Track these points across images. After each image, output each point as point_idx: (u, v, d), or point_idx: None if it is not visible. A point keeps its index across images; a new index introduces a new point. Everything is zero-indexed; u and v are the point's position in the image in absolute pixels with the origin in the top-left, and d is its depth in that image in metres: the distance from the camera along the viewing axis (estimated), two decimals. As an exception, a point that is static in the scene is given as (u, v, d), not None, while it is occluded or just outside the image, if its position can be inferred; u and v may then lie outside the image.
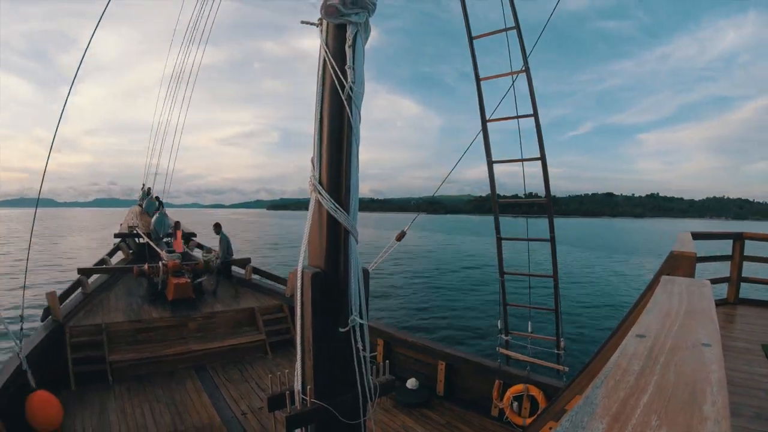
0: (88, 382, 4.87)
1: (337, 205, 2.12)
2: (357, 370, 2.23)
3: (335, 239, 2.16)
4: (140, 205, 14.32)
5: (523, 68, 4.45)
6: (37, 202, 4.45)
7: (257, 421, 4.22)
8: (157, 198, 12.94)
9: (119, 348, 5.37)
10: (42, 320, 5.46)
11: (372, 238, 35.79)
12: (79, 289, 6.57)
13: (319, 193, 2.14)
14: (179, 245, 8.54)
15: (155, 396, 4.66)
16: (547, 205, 4.62)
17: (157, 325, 5.87)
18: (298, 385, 2.24)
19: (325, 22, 2.28)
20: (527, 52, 4.54)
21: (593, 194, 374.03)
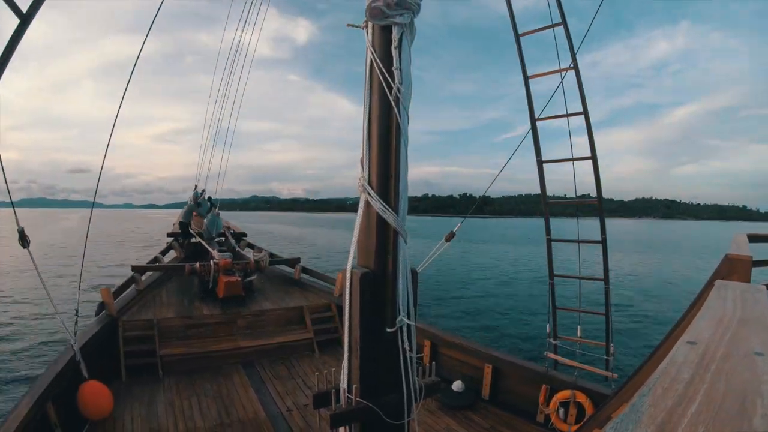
0: (139, 375, 5.08)
1: (386, 206, 2.14)
2: (403, 370, 2.23)
3: (384, 240, 2.18)
4: (192, 205, 15.00)
5: (571, 65, 4.31)
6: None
7: (302, 418, 4.28)
8: (209, 199, 13.53)
9: (170, 343, 5.58)
10: (96, 315, 5.73)
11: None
12: (133, 286, 6.85)
13: (369, 194, 2.17)
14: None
15: (203, 390, 4.81)
16: (597, 206, 4.45)
17: (207, 321, 6.04)
18: (344, 384, 2.26)
19: (370, 24, 2.29)
20: (575, 49, 4.39)
21: (527, 195, 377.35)
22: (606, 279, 4.50)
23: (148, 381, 4.97)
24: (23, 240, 3.32)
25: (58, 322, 4.28)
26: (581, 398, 4.19)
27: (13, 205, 3.29)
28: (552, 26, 4.46)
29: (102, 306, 5.69)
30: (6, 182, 3.03)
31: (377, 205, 2.14)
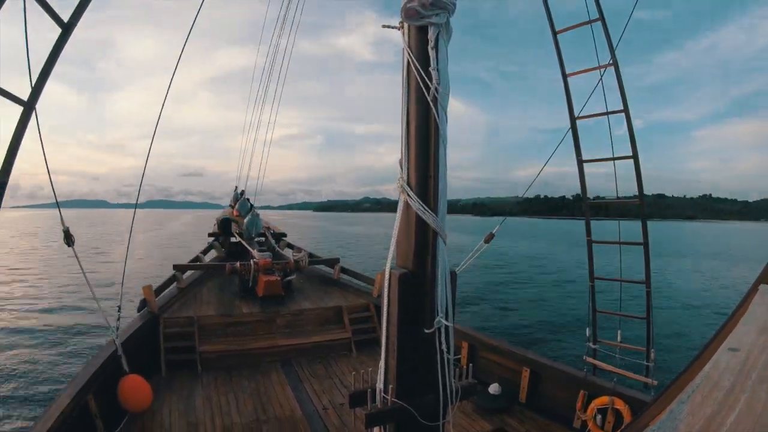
0: (178, 370, 5.21)
1: (425, 207, 2.14)
2: (440, 372, 2.22)
3: (423, 240, 2.17)
4: (231, 206, 15.44)
5: (610, 61, 4.17)
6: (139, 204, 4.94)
7: (337, 417, 4.30)
8: (248, 200, 13.90)
9: (209, 339, 5.69)
10: (138, 311, 5.92)
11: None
12: (174, 284, 7.06)
13: (408, 195, 2.17)
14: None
15: (240, 386, 4.89)
16: (639, 207, 4.29)
17: (247, 319, 6.14)
18: (380, 384, 2.27)
19: (406, 25, 2.30)
20: (614, 45, 4.26)
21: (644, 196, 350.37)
22: (647, 282, 4.33)
23: (187, 376, 5.08)
24: (68, 239, 3.46)
25: (101, 317, 4.45)
26: (620, 405, 4.06)
27: (58, 206, 3.43)
28: (589, 22, 4.34)
29: (144, 303, 5.88)
30: (52, 186, 3.18)
31: (416, 205, 2.14)
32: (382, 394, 2.25)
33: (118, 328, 4.56)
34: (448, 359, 2.25)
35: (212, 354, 5.46)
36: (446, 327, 2.21)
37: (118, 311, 4.58)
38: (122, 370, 4.28)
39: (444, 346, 2.21)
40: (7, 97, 2.17)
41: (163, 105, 4.31)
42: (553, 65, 4.53)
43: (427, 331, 2.17)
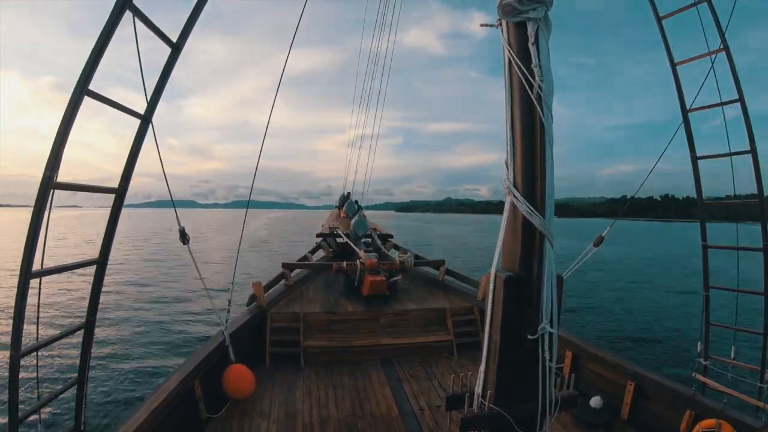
0: (282, 363, 5.42)
1: (532, 209, 2.06)
2: (540, 380, 2.14)
3: (530, 243, 2.10)
4: (337, 207, 16.17)
5: (721, 47, 3.77)
6: (249, 205, 5.24)
7: (433, 419, 4.26)
8: (356, 202, 14.48)
9: (313, 335, 5.86)
10: (247, 305, 6.23)
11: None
12: (282, 281, 7.33)
13: (514, 196, 2.11)
14: None
15: (340, 382, 4.99)
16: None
17: (351, 317, 6.26)
18: (478, 388, 2.23)
19: (504, 22, 2.23)
20: (723, 28, 3.84)
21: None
22: (767, 293, 3.85)
23: (290, 369, 5.28)
24: (183, 238, 3.71)
25: (212, 310, 4.81)
26: (727, 429, 3.64)
27: (174, 205, 3.70)
28: (695, 4, 3.95)
29: (253, 298, 6.20)
30: (169, 191, 3.47)
31: (523, 207, 2.07)
32: (480, 398, 2.21)
33: (227, 321, 4.86)
34: (550, 367, 2.15)
35: (315, 349, 5.63)
36: (550, 334, 2.11)
37: (228, 305, 4.87)
38: (228, 360, 4.53)
39: (547, 354, 2.12)
40: (127, 112, 2.43)
41: (272, 105, 4.77)
42: (633, 56, 4.15)
43: (530, 337, 2.10)
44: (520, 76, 2.13)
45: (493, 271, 2.13)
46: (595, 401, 4.47)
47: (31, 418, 2.27)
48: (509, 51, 2.20)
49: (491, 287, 2.12)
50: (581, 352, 4.96)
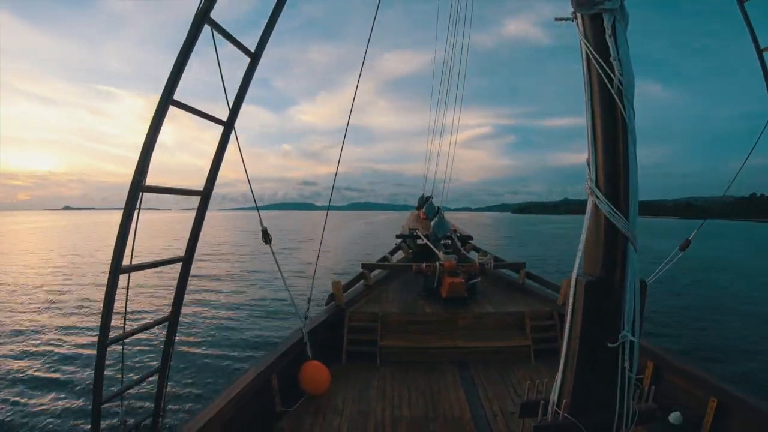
0: (358, 361, 5.47)
1: (615, 210, 1.95)
2: (619, 391, 2.03)
3: (612, 246, 2.00)
4: (417, 209, 16.46)
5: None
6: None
7: (505, 425, 4.16)
8: (428, 198, 14.62)
9: (390, 335, 5.88)
10: (326, 304, 6.38)
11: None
12: (362, 281, 7.47)
13: (597, 197, 2.00)
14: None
15: (415, 383, 4.95)
16: None
17: (428, 319, 6.22)
18: (554, 396, 2.16)
19: (579, 15, 2.15)
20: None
21: None
22: None
23: (365, 368, 5.32)
24: (266, 237, 3.79)
25: (292, 307, 4.96)
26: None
27: (257, 208, 3.82)
28: None
29: (332, 297, 6.36)
30: (251, 191, 3.61)
31: (605, 208, 1.97)
32: (555, 407, 2.14)
33: (306, 318, 5.01)
34: (630, 378, 2.05)
35: (392, 349, 5.65)
36: (631, 342, 2.01)
37: (308, 303, 5.01)
38: (306, 356, 4.66)
39: (627, 364, 2.02)
40: (210, 119, 2.56)
41: (351, 111, 4.84)
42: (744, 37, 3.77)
43: (610, 345, 2.00)
44: (599, 70, 2.05)
45: (574, 275, 2.04)
46: (674, 417, 4.15)
47: (109, 408, 2.43)
48: (586, 45, 2.12)
49: (572, 292, 2.04)
50: (663, 363, 4.63)
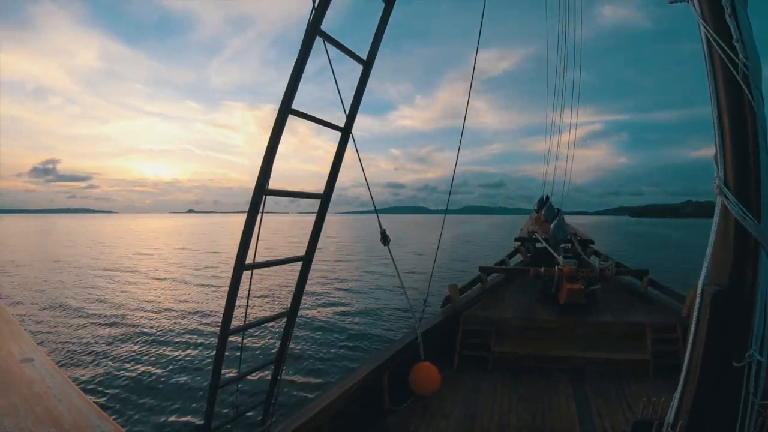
0: (469, 365, 5.47)
1: (745, 211, 1.78)
2: (740, 417, 1.82)
3: (743, 252, 1.82)
4: (536, 211, 16.21)
5: None
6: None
7: None
8: (545, 198, 14.51)
9: (504, 341, 5.82)
10: (441, 306, 6.49)
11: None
12: (478, 284, 7.48)
13: (726, 198, 1.83)
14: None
15: (526, 391, 4.86)
16: None
17: (544, 325, 6.13)
18: (669, 418, 2.00)
19: None
20: None
21: None
22: None
23: (477, 372, 5.33)
24: (384, 239, 3.91)
25: (407, 308, 5.13)
26: None
27: (376, 211, 3.95)
28: None
29: (447, 299, 6.47)
30: (370, 194, 3.73)
31: (735, 210, 1.80)
32: (670, 429, 1.99)
33: (420, 319, 5.14)
34: (753, 404, 1.82)
35: (505, 355, 5.60)
36: (758, 363, 1.79)
37: (423, 304, 5.19)
38: (418, 357, 4.76)
39: (751, 387, 1.80)
40: (328, 126, 2.73)
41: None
42: None
43: (735, 364, 1.80)
44: (721, 54, 1.87)
45: (700, 284, 1.90)
46: None
47: (223, 398, 2.63)
48: (704, 27, 1.95)
49: (697, 302, 1.90)
50: None
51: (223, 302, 2.58)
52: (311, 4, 2.34)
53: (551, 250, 8.95)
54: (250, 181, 2.41)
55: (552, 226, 10.29)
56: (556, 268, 6.97)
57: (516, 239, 11.98)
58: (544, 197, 16.49)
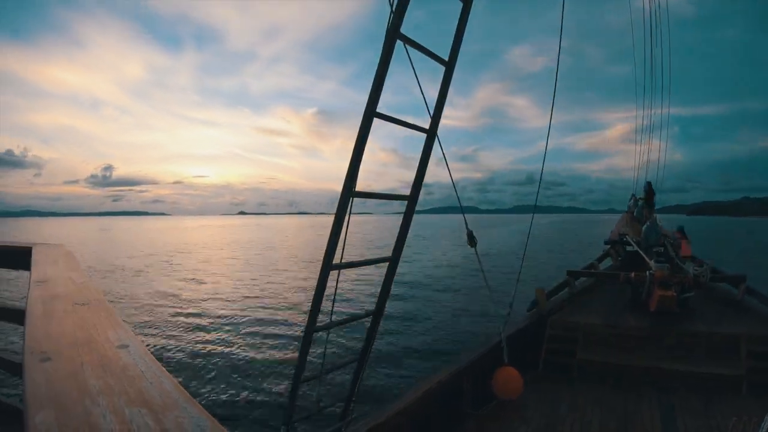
0: (554, 371, 5.32)
1: None
2: None
3: None
4: (629, 212, 15.53)
5: None
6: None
7: None
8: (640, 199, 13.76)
9: (590, 348, 5.61)
10: (528, 310, 6.40)
11: None
12: (566, 289, 7.31)
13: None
14: (687, 250, 8.48)
15: (609, 401, 4.63)
16: None
17: (632, 334, 5.85)
18: None
19: None
20: None
21: None
22: None
23: (560, 379, 5.16)
24: (471, 240, 3.84)
25: (492, 311, 5.03)
26: None
27: (462, 211, 3.90)
28: None
29: (534, 303, 6.39)
30: (456, 195, 3.77)
31: None
32: None
33: (506, 323, 4.99)
34: None
35: (590, 362, 5.39)
36: None
37: (509, 307, 5.06)
38: (501, 360, 4.61)
39: None
40: (412, 128, 2.73)
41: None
42: None
43: None
44: None
45: None
46: None
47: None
48: None
49: None
50: None
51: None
52: (388, 9, 2.33)
53: (642, 254, 8.40)
54: (298, 182, 2.47)
55: (644, 228, 9.70)
56: (648, 273, 6.54)
57: (606, 242, 11.49)
58: (635, 196, 15.20)
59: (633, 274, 6.67)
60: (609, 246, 11.20)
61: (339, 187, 2.40)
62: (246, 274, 21.35)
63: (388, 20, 2.32)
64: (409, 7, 2.30)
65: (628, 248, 10.47)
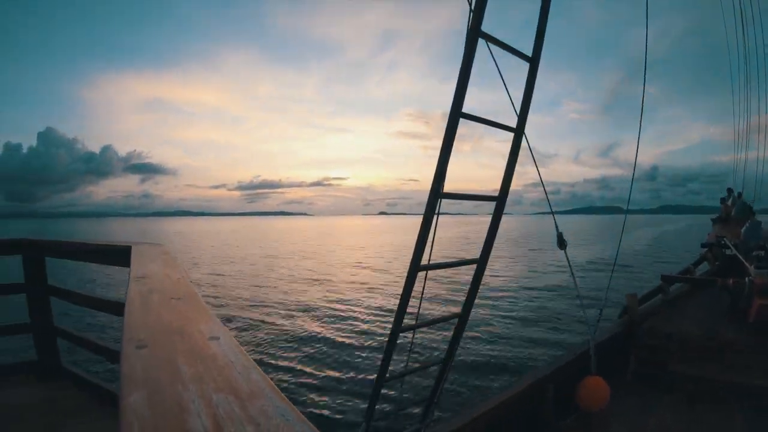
0: (643, 383, 5.00)
1: None
2: None
3: None
4: (723, 208, 14.27)
5: None
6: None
7: None
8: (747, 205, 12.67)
9: (684, 359, 5.23)
10: (619, 317, 6.11)
11: None
12: (660, 295, 6.94)
13: None
14: None
15: (699, 419, 4.27)
16: None
17: (729, 347, 5.36)
18: None
19: None
20: None
21: None
22: None
23: (649, 392, 4.85)
24: (561, 242, 3.76)
25: (582, 317, 4.81)
26: None
27: (552, 213, 3.88)
28: None
29: (625, 310, 6.06)
30: (546, 195, 3.70)
31: None
32: None
33: (595, 331, 4.75)
34: None
35: (681, 374, 5.00)
36: None
37: (599, 314, 4.85)
38: (588, 370, 4.38)
39: None
40: (499, 127, 2.67)
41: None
42: None
43: None
44: None
45: None
46: None
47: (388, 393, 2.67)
48: None
49: None
50: None
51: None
52: (468, 8, 2.29)
53: (742, 258, 7.82)
54: (427, 183, 2.44)
55: (743, 230, 8.97)
56: (747, 279, 6.01)
57: (703, 245, 10.68)
58: (735, 193, 13.64)
59: (731, 281, 6.20)
60: (706, 249, 10.42)
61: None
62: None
63: (468, 19, 2.29)
64: (487, 5, 2.25)
65: (727, 252, 9.65)
